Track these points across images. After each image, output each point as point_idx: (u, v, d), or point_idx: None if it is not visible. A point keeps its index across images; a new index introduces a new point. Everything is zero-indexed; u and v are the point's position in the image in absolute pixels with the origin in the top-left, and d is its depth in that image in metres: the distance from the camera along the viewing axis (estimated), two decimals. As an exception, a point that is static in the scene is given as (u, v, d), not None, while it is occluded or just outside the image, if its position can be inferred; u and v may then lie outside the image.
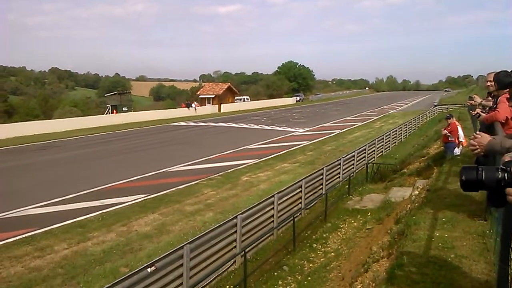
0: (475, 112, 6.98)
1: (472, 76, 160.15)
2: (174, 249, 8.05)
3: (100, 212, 13.67)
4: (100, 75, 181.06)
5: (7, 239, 11.33)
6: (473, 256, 4.83)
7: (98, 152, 25.75)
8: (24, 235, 11.60)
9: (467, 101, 18.16)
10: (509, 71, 5.36)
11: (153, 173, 19.11)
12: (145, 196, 15.43)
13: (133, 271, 7.05)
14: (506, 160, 1.96)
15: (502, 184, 1.85)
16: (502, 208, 2.86)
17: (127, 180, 17.75)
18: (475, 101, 9.03)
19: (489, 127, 5.56)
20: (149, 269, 7.15)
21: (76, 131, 36.49)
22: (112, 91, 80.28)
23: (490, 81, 6.83)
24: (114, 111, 51.92)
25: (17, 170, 20.52)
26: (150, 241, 11.67)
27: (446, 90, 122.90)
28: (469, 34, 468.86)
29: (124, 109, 54.07)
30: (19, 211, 13.65)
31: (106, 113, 53.03)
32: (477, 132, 3.82)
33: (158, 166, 20.24)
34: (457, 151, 13.06)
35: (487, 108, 7.09)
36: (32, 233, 11.81)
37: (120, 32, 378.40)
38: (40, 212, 13.74)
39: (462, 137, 13.30)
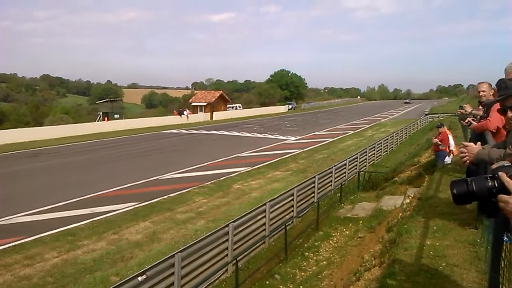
0: (467, 121, 7.03)
1: (462, 86, 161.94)
2: (165, 257, 8.01)
3: (91, 220, 13.57)
4: (91, 82, 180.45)
5: (-3, 247, 11.22)
6: (464, 264, 4.84)
7: (89, 159, 25.60)
8: (13, 243, 11.48)
9: (457, 110, 18.31)
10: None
11: (144, 180, 19.02)
12: (136, 204, 15.34)
13: (124, 280, 6.99)
14: (494, 167, 1.97)
15: (493, 192, 1.86)
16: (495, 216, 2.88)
17: (118, 187, 17.65)
18: (465, 110, 9.11)
19: (480, 136, 5.60)
20: (140, 278, 7.10)
21: (67, 138, 36.26)
22: (103, 98, 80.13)
23: (482, 91, 6.90)
24: (106, 119, 51.75)
25: (7, 177, 20.33)
26: (141, 249, 11.59)
27: (406, 102, 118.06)
28: (460, 43, 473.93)
29: (115, 116, 53.93)
30: (9, 218, 13.52)
31: (98, 121, 52.81)
32: (464, 143, 3.86)
33: (149, 174, 20.15)
34: (447, 159, 13.15)
35: (478, 117, 7.15)
36: (22, 241, 11.70)
37: (113, 40, 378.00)
38: (30, 220, 13.61)
39: (452, 146, 13.40)
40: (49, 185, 18.36)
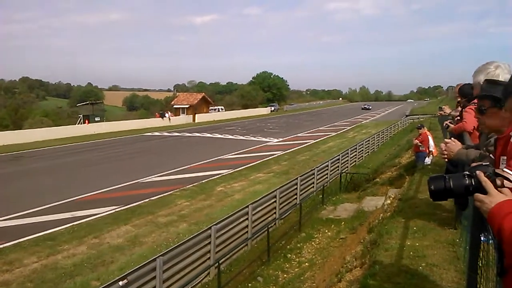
0: (445, 124, 7.12)
1: (442, 87, 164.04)
2: (146, 261, 7.96)
3: (71, 224, 13.41)
4: (72, 85, 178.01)
5: (-26, 253, 11.01)
6: (444, 264, 4.89)
7: (70, 163, 25.29)
8: (-9, 249, 11.29)
9: (437, 111, 18.53)
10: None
11: (126, 184, 18.86)
12: (117, 208, 15.20)
13: (105, 285, 6.94)
14: (472, 165, 1.99)
15: (470, 189, 1.88)
16: (471, 215, 2.92)
17: (99, 191, 17.46)
18: (444, 112, 9.22)
19: (457, 138, 5.68)
20: (121, 283, 7.03)
21: (47, 141, 35.75)
22: (84, 101, 79.17)
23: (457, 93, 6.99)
24: (86, 121, 51.13)
25: (-15, 181, 19.97)
26: (122, 253, 11.49)
27: (364, 107, 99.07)
28: (441, 45, 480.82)
29: (96, 119, 53.31)
30: (-13, 224, 13.28)
31: (78, 123, 52.15)
32: (449, 138, 3.89)
33: (131, 177, 19.98)
34: (427, 160, 13.30)
35: (455, 119, 7.24)
36: (1, 246, 11.54)
37: (93, 41, 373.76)
38: (9, 224, 13.40)
39: (432, 147, 13.56)
40: (29, 189, 18.07)
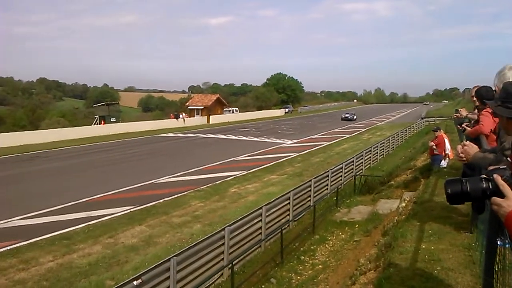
0: (462, 126, 7.06)
1: (458, 89, 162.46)
2: (160, 261, 7.99)
3: (87, 224, 13.54)
4: (88, 86, 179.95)
5: (-8, 251, 11.17)
6: (459, 268, 4.85)
7: (85, 163, 25.54)
8: (9, 247, 11.45)
9: (453, 114, 18.34)
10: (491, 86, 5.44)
11: (140, 184, 18.99)
12: (132, 208, 15.31)
13: (119, 284, 6.97)
14: (489, 169, 1.98)
15: (487, 193, 1.87)
16: (487, 219, 2.89)
17: (114, 191, 17.61)
18: (461, 114, 9.13)
19: (474, 141, 5.62)
20: (135, 282, 7.07)
21: (63, 141, 36.13)
22: (100, 102, 79.77)
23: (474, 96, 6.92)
24: (102, 122, 51.56)
25: (3, 181, 20.21)
26: (136, 253, 11.57)
27: (345, 117, 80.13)
28: (456, 47, 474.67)
29: (112, 119, 53.72)
30: (4, 222, 13.47)
31: (94, 124, 52.61)
32: (464, 142, 3.86)
33: (146, 178, 20.12)
34: (443, 163, 13.15)
35: (473, 122, 7.17)
36: (17, 245, 11.67)
37: (110, 43, 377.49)
38: (26, 223, 13.57)
39: (448, 150, 13.40)
40: (45, 189, 18.29)
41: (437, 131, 14.32)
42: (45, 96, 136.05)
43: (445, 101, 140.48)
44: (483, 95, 5.48)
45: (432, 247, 5.56)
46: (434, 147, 13.66)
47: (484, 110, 5.44)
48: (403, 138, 38.81)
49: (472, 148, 3.32)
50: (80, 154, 29.18)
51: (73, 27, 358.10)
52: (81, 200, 16.07)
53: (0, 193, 17.49)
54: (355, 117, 69.36)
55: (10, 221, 13.63)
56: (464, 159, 3.35)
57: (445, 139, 13.86)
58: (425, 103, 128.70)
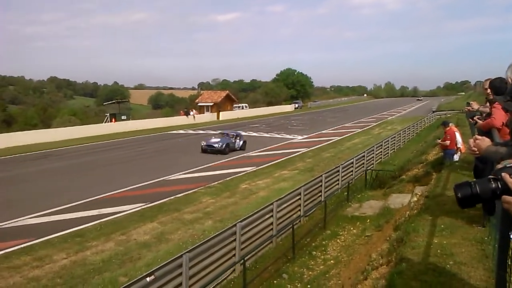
0: (473, 119, 7.00)
1: (470, 82, 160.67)
2: (173, 258, 8.04)
3: (99, 221, 13.65)
4: (98, 84, 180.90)
5: (6, 249, 11.32)
6: (472, 262, 4.82)
7: (97, 160, 25.73)
8: (23, 245, 11.59)
9: (465, 107, 18.18)
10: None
11: (152, 181, 19.10)
12: (144, 205, 15.41)
13: (132, 281, 7.03)
14: (497, 168, 1.97)
15: (497, 193, 1.85)
16: (499, 212, 2.87)
17: (126, 188, 17.73)
18: (472, 108, 9.06)
19: (486, 134, 5.58)
20: (148, 279, 7.13)
21: (75, 140, 36.40)
22: (110, 100, 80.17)
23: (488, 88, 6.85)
24: (113, 120, 51.91)
25: (16, 179, 20.46)
26: (149, 250, 11.65)
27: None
28: (467, 39, 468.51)
29: (122, 117, 54.04)
30: (18, 220, 13.64)
31: (105, 122, 52.97)
32: (476, 136, 3.83)
33: (157, 175, 20.22)
34: (455, 157, 13.06)
35: (484, 115, 7.10)
36: (31, 243, 11.80)
37: (119, 41, 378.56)
38: (39, 221, 13.72)
39: (460, 143, 13.28)
40: (57, 187, 18.47)
41: (446, 125, 14.11)
42: (56, 94, 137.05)
43: (462, 93, 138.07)
44: (496, 86, 5.43)
45: (445, 242, 5.53)
46: (444, 142, 13.53)
47: (496, 103, 5.39)
48: (414, 132, 38.57)
49: (484, 142, 3.29)
50: (91, 152, 29.39)
51: (83, 26, 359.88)
52: (92, 198, 16.21)
53: (13, 192, 17.71)
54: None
55: (23, 219, 13.79)
56: (477, 153, 3.32)
57: (456, 132, 13.73)
58: (418, 98, 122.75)
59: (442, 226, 6.16)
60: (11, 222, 13.47)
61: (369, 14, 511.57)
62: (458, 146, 13.25)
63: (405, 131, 34.79)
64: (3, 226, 13.16)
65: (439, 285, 4.42)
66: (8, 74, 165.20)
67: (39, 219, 13.93)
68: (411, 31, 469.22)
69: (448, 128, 13.78)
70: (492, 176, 1.89)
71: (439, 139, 14.91)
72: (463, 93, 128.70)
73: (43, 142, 34.79)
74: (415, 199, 9.96)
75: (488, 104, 7.60)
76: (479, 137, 3.40)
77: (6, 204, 15.69)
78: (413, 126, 39.26)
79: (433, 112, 59.16)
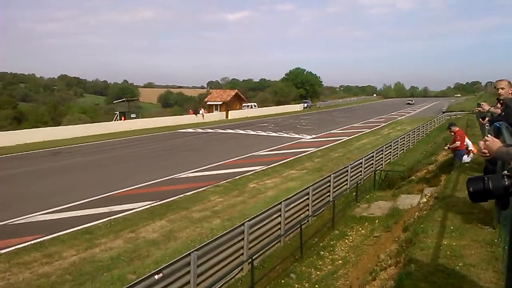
0: (485, 121, 6.96)
1: (480, 83, 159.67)
2: (181, 256, 8.06)
3: (108, 218, 13.72)
4: (108, 82, 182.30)
5: (16, 245, 11.41)
6: (482, 264, 4.80)
7: (106, 158, 25.88)
8: (32, 242, 11.67)
9: (475, 108, 18.06)
10: None
11: (161, 179, 19.16)
12: (152, 203, 15.47)
13: (141, 278, 7.06)
14: (511, 166, 1.96)
15: (510, 190, 1.85)
16: (510, 214, 2.86)
17: (135, 186, 17.81)
18: (483, 108, 9.00)
19: (497, 136, 5.53)
20: (156, 276, 7.16)
21: (85, 137, 36.66)
22: (120, 98, 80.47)
23: (501, 88, 6.80)
24: (123, 118, 52.18)
25: (26, 176, 20.64)
26: (157, 247, 11.69)
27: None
28: (478, 40, 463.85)
29: (132, 115, 54.33)
30: (28, 217, 13.74)
31: (115, 120, 53.30)
32: (486, 137, 3.81)
33: (165, 173, 20.29)
34: (466, 158, 12.95)
35: (496, 115, 7.06)
36: (41, 239, 11.88)
37: (129, 39, 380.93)
38: (49, 218, 13.81)
39: (470, 146, 13.16)
40: (67, 184, 18.60)
41: (452, 127, 13.92)
42: (66, 92, 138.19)
43: (457, 95, 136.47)
44: None
45: (454, 243, 5.51)
46: (453, 145, 13.38)
47: None
48: (424, 132, 38.37)
49: (494, 143, 3.27)
50: (101, 150, 29.57)
51: (93, 24, 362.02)
52: (102, 195, 16.29)
53: (23, 188, 17.87)
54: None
55: (33, 216, 13.89)
56: (487, 154, 3.30)
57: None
58: (409, 102, 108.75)
59: (452, 227, 6.13)
60: (22, 219, 13.58)
61: (379, 13, 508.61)
62: (469, 148, 13.12)
63: (414, 131, 34.61)
64: (13, 223, 13.27)
65: (448, 286, 4.41)
66: (19, 71, 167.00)
67: (49, 215, 14.01)
68: (422, 30, 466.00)
69: (457, 129, 13.65)
70: (506, 173, 1.88)
71: (447, 145, 14.72)
72: (459, 95, 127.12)
73: (54, 139, 35.04)
74: (425, 200, 9.92)
75: (499, 104, 7.55)
76: (489, 138, 3.38)
77: (16, 200, 15.82)
78: (423, 126, 39.06)
79: (443, 112, 58.80)
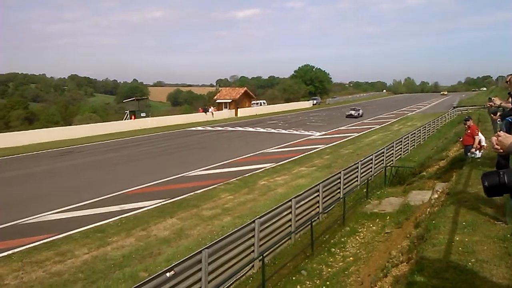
0: (497, 116, 6.90)
1: (491, 77, 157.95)
2: (192, 253, 8.09)
3: (120, 217, 13.81)
4: (118, 81, 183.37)
5: (29, 244, 11.51)
6: (494, 260, 4.76)
7: (117, 157, 26.01)
8: (45, 240, 11.78)
9: (486, 102, 17.89)
10: None
11: (171, 177, 19.23)
12: (163, 201, 15.53)
13: (152, 276, 7.10)
14: None
15: None
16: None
17: (146, 185, 17.89)
18: (494, 103, 8.91)
19: (509, 131, 5.48)
20: (168, 274, 7.19)
21: (96, 136, 36.91)
22: (130, 97, 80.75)
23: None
24: (133, 117, 52.40)
25: (38, 175, 20.82)
26: (169, 245, 11.74)
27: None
28: (488, 34, 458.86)
29: (142, 114, 54.50)
30: (40, 216, 13.85)
31: (125, 119, 53.55)
32: (499, 132, 3.77)
33: (176, 171, 20.36)
34: (477, 153, 12.84)
35: (507, 110, 6.99)
36: (53, 238, 11.98)
37: (138, 39, 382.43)
38: (61, 217, 13.92)
39: (483, 141, 13.06)
40: (78, 183, 18.73)
41: (468, 121, 13.90)
42: (76, 92, 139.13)
43: (483, 88, 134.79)
44: None
45: (466, 239, 5.47)
46: (468, 135, 13.32)
47: None
48: (434, 128, 38.10)
49: (507, 138, 3.24)
50: (112, 149, 29.73)
51: (103, 24, 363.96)
52: (113, 194, 16.39)
53: (35, 188, 18.02)
54: (360, 113, 54.99)
55: (45, 215, 14.00)
56: (500, 150, 3.27)
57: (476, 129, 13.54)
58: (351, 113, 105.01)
59: (464, 223, 6.09)
60: (34, 218, 13.69)
61: (388, 8, 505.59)
62: (482, 144, 13.02)
63: (425, 127, 34.37)
64: (26, 222, 13.39)
65: (460, 283, 4.38)
66: (29, 72, 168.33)
67: (61, 214, 14.13)
68: (432, 26, 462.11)
69: (472, 124, 13.61)
70: None
71: (461, 137, 14.65)
72: (485, 88, 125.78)
73: (65, 139, 35.30)
74: (436, 196, 9.85)
75: (510, 99, 7.48)
76: (502, 133, 3.35)
77: (29, 199, 15.95)
78: (434, 122, 38.77)
79: (454, 107, 58.34)
